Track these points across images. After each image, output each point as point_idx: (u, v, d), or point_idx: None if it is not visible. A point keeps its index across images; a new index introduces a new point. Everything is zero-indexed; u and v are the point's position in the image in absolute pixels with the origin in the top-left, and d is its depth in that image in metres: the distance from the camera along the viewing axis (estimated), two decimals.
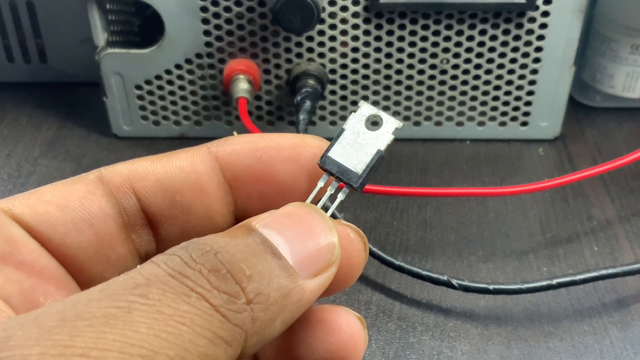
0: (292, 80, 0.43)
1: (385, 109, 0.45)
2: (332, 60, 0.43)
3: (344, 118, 0.45)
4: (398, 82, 0.44)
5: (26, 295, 0.16)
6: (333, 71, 0.43)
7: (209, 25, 0.42)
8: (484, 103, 0.45)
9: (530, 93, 0.45)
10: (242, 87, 0.42)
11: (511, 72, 0.44)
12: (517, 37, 0.42)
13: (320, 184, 0.19)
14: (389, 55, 0.43)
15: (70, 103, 0.50)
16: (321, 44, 0.42)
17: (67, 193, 0.18)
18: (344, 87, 0.44)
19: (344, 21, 0.42)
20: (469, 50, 0.43)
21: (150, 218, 0.19)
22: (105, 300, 0.13)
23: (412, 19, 0.42)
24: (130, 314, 0.13)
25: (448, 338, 0.32)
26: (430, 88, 0.44)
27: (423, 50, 0.43)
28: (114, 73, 0.43)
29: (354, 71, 0.43)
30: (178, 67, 0.43)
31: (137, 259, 0.19)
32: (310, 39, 0.42)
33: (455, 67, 0.43)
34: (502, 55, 0.43)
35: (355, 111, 0.19)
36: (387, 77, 0.44)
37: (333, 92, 0.44)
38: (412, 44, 0.43)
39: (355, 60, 0.43)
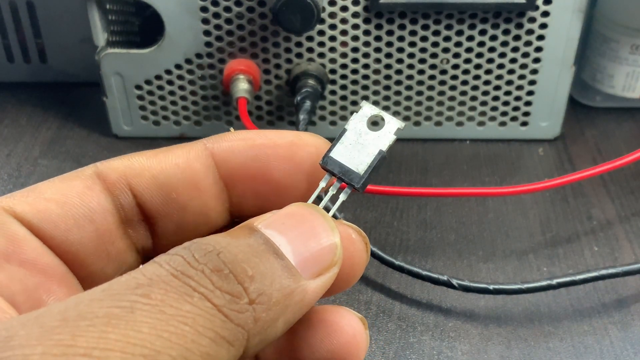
0: (292, 80, 0.43)
1: (386, 109, 0.45)
2: (332, 60, 0.43)
3: (344, 118, 0.45)
4: (398, 82, 0.44)
5: (30, 293, 0.16)
6: (333, 71, 0.43)
7: (209, 25, 0.42)
8: (484, 103, 0.45)
9: (530, 93, 0.45)
10: (242, 87, 0.42)
11: (511, 72, 0.44)
12: (517, 37, 0.42)
13: (322, 184, 0.19)
14: (389, 55, 0.43)
15: (70, 103, 0.50)
16: (321, 44, 0.42)
17: (66, 190, 0.18)
18: (344, 87, 0.44)
19: (344, 21, 0.42)
20: (469, 50, 0.43)
21: (146, 214, 0.19)
22: (107, 300, 0.13)
23: (412, 19, 0.42)
24: (133, 314, 0.13)
25: (448, 338, 0.32)
26: (430, 88, 0.44)
27: (423, 50, 0.43)
28: (114, 73, 0.43)
29: (354, 71, 0.43)
30: (178, 67, 0.43)
31: (134, 254, 0.19)
32: (310, 39, 0.42)
33: (455, 67, 0.43)
34: (502, 55, 0.43)
35: (357, 111, 0.19)
36: (387, 77, 0.44)
37: (333, 92, 0.44)
38: (412, 44, 0.43)
39: (355, 60, 0.43)
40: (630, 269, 0.33)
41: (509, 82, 0.44)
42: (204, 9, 0.41)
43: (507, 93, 0.45)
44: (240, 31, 0.42)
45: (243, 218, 0.19)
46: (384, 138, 0.19)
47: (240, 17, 0.41)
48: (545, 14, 0.41)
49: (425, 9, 0.41)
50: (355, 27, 0.42)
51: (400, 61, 0.43)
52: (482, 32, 0.42)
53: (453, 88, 0.44)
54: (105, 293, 0.14)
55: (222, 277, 0.14)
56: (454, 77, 0.44)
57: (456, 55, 0.43)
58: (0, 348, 0.12)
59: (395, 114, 0.45)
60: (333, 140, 0.19)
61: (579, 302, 0.34)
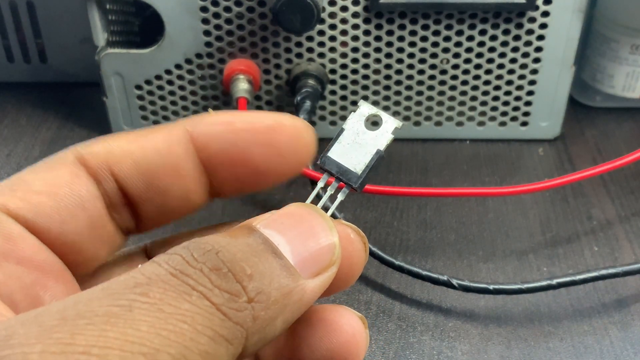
0: (292, 80, 0.43)
1: (385, 109, 0.45)
2: (332, 60, 0.43)
3: (344, 118, 0.45)
4: (398, 82, 0.44)
5: (28, 291, 0.16)
6: (333, 71, 0.43)
7: (209, 25, 0.42)
8: (484, 103, 0.45)
9: (530, 93, 0.45)
10: (242, 87, 0.42)
11: (511, 72, 0.44)
12: (517, 37, 0.42)
13: (320, 184, 0.19)
14: (389, 55, 0.43)
15: (70, 103, 0.50)
16: (321, 44, 0.42)
17: (54, 180, 0.17)
18: (344, 87, 0.44)
19: (344, 21, 0.42)
20: (469, 50, 0.43)
21: (129, 199, 0.19)
22: (106, 299, 0.13)
23: (412, 19, 0.42)
24: (131, 312, 0.13)
25: (448, 338, 0.32)
26: (430, 88, 0.44)
27: (423, 50, 0.43)
28: (114, 73, 0.43)
29: (354, 71, 0.43)
30: (178, 67, 0.43)
31: (122, 235, 0.19)
32: (310, 39, 0.42)
33: (455, 67, 0.43)
34: (502, 55, 0.43)
35: (354, 111, 0.19)
36: (387, 77, 0.44)
37: (333, 92, 0.44)
38: (412, 44, 0.43)
39: (355, 60, 0.43)
40: (630, 269, 0.33)
41: (509, 82, 0.44)
42: (204, 9, 0.41)
43: (507, 93, 0.45)
44: (240, 31, 0.42)
45: (224, 198, 0.20)
46: (382, 137, 0.19)
47: (240, 17, 0.41)
48: (545, 14, 0.41)
49: (425, 9, 0.41)
50: (355, 27, 0.42)
51: (400, 61, 0.43)
52: (482, 32, 0.42)
53: (453, 88, 0.44)
54: (104, 292, 0.14)
55: (220, 276, 0.14)
56: (454, 77, 0.44)
57: (456, 55, 0.43)
58: None
59: (395, 114, 0.45)
60: (330, 139, 0.19)
61: (579, 302, 0.34)
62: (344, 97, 0.45)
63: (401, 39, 0.42)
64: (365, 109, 0.19)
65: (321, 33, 0.42)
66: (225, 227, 0.20)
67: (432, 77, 0.44)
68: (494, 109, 0.45)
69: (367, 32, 0.42)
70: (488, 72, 0.44)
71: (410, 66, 0.43)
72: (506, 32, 0.42)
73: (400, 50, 0.43)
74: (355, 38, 0.42)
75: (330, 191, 0.19)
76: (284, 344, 0.19)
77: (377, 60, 0.43)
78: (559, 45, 0.42)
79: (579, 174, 0.37)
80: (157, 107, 0.45)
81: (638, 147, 0.37)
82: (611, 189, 0.42)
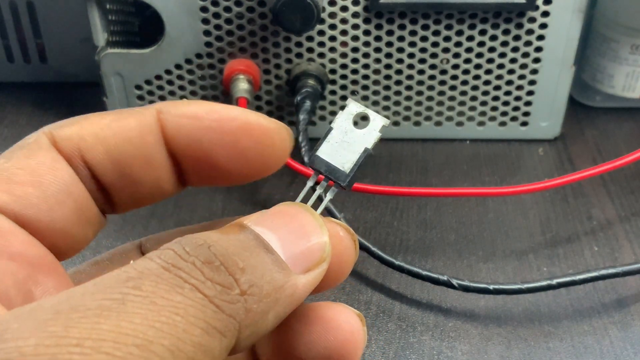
0: (292, 80, 0.43)
1: (385, 109, 0.45)
2: (332, 60, 0.43)
3: None
4: (398, 82, 0.44)
5: (21, 286, 0.16)
6: (333, 71, 0.43)
7: (209, 25, 0.42)
8: (484, 103, 0.45)
9: (530, 93, 0.45)
10: (242, 87, 0.42)
11: (511, 72, 0.44)
12: (517, 37, 0.42)
13: (310, 183, 0.19)
14: (389, 55, 0.43)
15: (70, 103, 0.50)
16: (321, 44, 0.42)
17: (36, 167, 0.17)
18: (344, 87, 0.44)
19: (344, 21, 0.42)
20: (469, 50, 0.43)
21: (101, 186, 0.19)
22: (99, 293, 0.13)
23: (412, 19, 0.42)
24: (124, 305, 0.13)
25: (448, 338, 0.32)
26: (430, 88, 0.44)
27: (423, 50, 0.43)
28: (114, 73, 0.43)
29: (354, 71, 0.43)
30: (178, 67, 0.43)
31: (102, 216, 0.19)
32: (310, 39, 0.42)
33: (455, 67, 0.43)
34: (502, 55, 0.43)
35: (342, 109, 0.20)
36: (387, 77, 0.44)
37: (333, 92, 0.44)
38: (412, 44, 0.43)
39: (355, 60, 0.43)
40: (630, 269, 0.33)
41: (509, 82, 0.44)
42: (204, 9, 0.41)
43: (507, 93, 0.45)
44: (240, 31, 0.42)
45: (196, 187, 0.20)
46: (369, 136, 0.19)
47: (240, 17, 0.41)
48: (545, 14, 0.41)
49: (425, 9, 0.41)
50: (355, 27, 0.42)
51: (400, 61, 0.43)
52: (482, 32, 0.42)
53: (453, 88, 0.44)
54: (97, 286, 0.14)
55: (213, 269, 0.15)
56: (454, 77, 0.44)
57: (456, 55, 0.43)
58: None
59: (395, 113, 0.45)
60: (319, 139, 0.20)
61: (579, 302, 0.34)
62: (344, 97, 0.45)
63: (401, 39, 0.42)
64: (353, 107, 0.19)
65: (321, 33, 0.42)
66: (218, 225, 0.20)
67: (432, 77, 0.44)
68: (494, 109, 0.45)
69: (367, 32, 0.42)
70: (488, 72, 0.44)
71: (410, 66, 0.43)
72: (506, 32, 0.42)
73: (400, 50, 0.43)
74: (355, 38, 0.42)
75: (319, 190, 0.19)
76: (282, 342, 0.19)
77: (377, 60, 0.43)
78: (559, 45, 0.42)
79: (579, 174, 0.37)
80: None
81: (638, 147, 0.37)
82: (611, 189, 0.42)
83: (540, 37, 0.42)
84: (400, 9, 0.41)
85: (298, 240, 0.17)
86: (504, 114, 0.45)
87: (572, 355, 0.31)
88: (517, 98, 0.45)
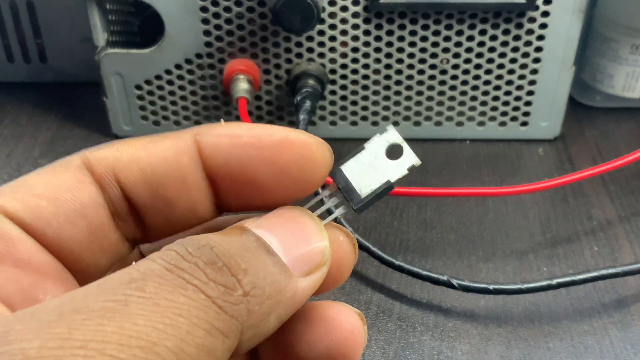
0: (292, 80, 0.43)
1: (385, 109, 0.45)
2: (332, 60, 0.43)
3: (344, 118, 0.45)
4: (398, 82, 0.44)
5: (26, 293, 0.16)
6: (333, 71, 0.43)
7: (209, 25, 0.42)
8: (484, 103, 0.45)
9: (530, 93, 0.45)
10: (242, 87, 0.42)
11: (511, 72, 0.44)
12: (517, 37, 0.42)
13: (325, 192, 0.19)
14: (389, 55, 0.43)
15: (70, 103, 0.50)
16: (321, 44, 0.42)
17: (57, 184, 0.17)
18: (344, 87, 0.44)
19: (344, 21, 0.42)
20: (469, 50, 0.43)
21: (134, 207, 0.18)
22: (102, 294, 0.13)
23: (412, 19, 0.42)
24: (128, 307, 0.13)
25: (448, 338, 0.32)
26: (430, 88, 0.44)
27: (423, 50, 0.43)
28: (114, 73, 0.43)
29: (354, 71, 0.43)
30: (178, 67, 0.43)
31: (127, 244, 0.19)
32: (310, 39, 0.42)
33: (455, 67, 0.43)
34: (502, 55, 0.43)
35: (381, 133, 0.19)
36: (387, 77, 0.44)
37: (333, 92, 0.44)
38: (412, 44, 0.43)
39: (355, 60, 0.43)
40: (630, 269, 0.33)
41: (509, 82, 0.44)
42: (204, 9, 0.41)
43: (507, 93, 0.45)
44: (240, 31, 0.42)
45: (232, 213, 0.19)
46: (397, 170, 0.19)
47: (240, 17, 0.41)
48: (545, 14, 0.41)
49: (425, 9, 0.41)
50: (355, 27, 0.42)
51: (400, 61, 0.43)
52: (482, 32, 0.42)
53: (453, 88, 0.44)
54: (100, 288, 0.14)
55: (215, 270, 0.15)
56: (454, 77, 0.44)
57: (456, 55, 0.43)
58: None
59: (395, 113, 0.45)
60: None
61: (579, 302, 0.34)
62: (344, 97, 0.45)
63: (401, 39, 0.42)
64: (392, 135, 0.19)
65: (321, 33, 0.42)
66: (218, 224, 0.20)
67: (432, 77, 0.44)
68: (494, 109, 0.45)
69: (367, 32, 0.42)
70: (488, 72, 0.44)
71: (410, 66, 0.43)
72: (506, 32, 0.42)
73: (400, 50, 0.43)
74: (355, 38, 0.42)
75: (332, 202, 0.19)
76: (283, 341, 0.19)
77: (377, 60, 0.43)
78: (559, 45, 0.42)
79: (579, 174, 0.37)
80: (157, 107, 0.45)
81: (638, 147, 0.37)
82: (611, 189, 0.42)
83: (540, 37, 0.42)
84: (400, 9, 0.41)
85: (299, 243, 0.17)
86: (504, 114, 0.45)
87: (572, 355, 0.31)
88: (517, 98, 0.45)
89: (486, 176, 0.43)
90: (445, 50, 0.43)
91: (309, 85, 0.42)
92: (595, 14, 0.48)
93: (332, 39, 0.42)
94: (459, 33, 0.42)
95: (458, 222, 0.39)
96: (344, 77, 0.44)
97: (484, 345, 0.32)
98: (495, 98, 0.45)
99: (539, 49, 0.43)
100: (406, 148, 0.19)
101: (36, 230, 0.17)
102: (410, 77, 0.44)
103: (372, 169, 0.19)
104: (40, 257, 0.17)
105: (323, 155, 0.18)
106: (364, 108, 0.45)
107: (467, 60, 0.43)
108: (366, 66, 0.43)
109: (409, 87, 0.44)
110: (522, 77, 0.44)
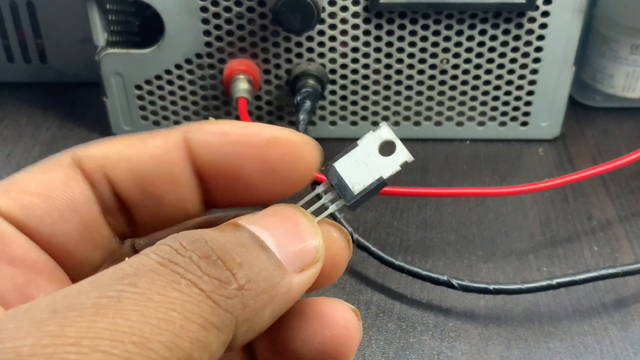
0: (292, 80, 0.43)
1: (385, 109, 0.45)
2: (332, 60, 0.43)
3: (344, 118, 0.45)
4: (398, 82, 0.44)
5: (20, 291, 0.16)
6: (333, 71, 0.43)
7: (209, 25, 0.42)
8: (483, 103, 0.45)
9: (530, 93, 0.45)
10: (242, 87, 0.42)
11: (511, 72, 0.44)
12: (517, 37, 0.42)
13: (320, 189, 0.19)
14: (389, 55, 0.43)
15: (70, 103, 0.50)
16: (321, 44, 0.42)
17: (48, 182, 0.17)
18: (344, 87, 0.44)
19: (344, 21, 0.42)
20: (469, 50, 0.43)
21: (124, 204, 0.19)
22: (94, 291, 0.13)
23: (412, 19, 0.42)
24: (120, 303, 0.13)
25: (448, 338, 0.32)
26: (430, 88, 0.44)
27: (423, 50, 0.43)
28: (114, 73, 0.43)
29: (354, 71, 0.43)
30: (178, 67, 0.43)
31: (118, 239, 0.19)
32: (310, 39, 0.42)
33: (455, 67, 0.43)
34: (502, 55, 0.43)
35: (373, 130, 0.19)
36: (387, 77, 0.44)
37: (333, 92, 0.44)
38: (412, 44, 0.43)
39: (355, 60, 0.43)
40: (630, 269, 0.33)
41: (509, 82, 0.44)
42: (204, 9, 0.41)
43: (507, 93, 0.45)
44: (240, 31, 0.42)
45: (220, 209, 0.19)
46: (389, 166, 0.19)
47: (240, 17, 0.41)
48: (545, 14, 0.41)
49: (425, 9, 0.41)
50: (355, 27, 0.42)
51: (400, 61, 0.43)
52: (482, 32, 0.42)
53: (453, 88, 0.44)
54: (92, 285, 0.14)
55: (210, 263, 0.15)
56: (454, 77, 0.44)
57: (456, 55, 0.43)
58: None
59: (396, 113, 0.45)
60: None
61: (579, 302, 0.34)
62: (344, 97, 0.45)
63: (401, 39, 0.42)
64: (385, 132, 0.19)
65: (321, 33, 0.42)
66: (211, 221, 0.20)
67: (432, 77, 0.44)
68: (494, 109, 0.45)
69: (367, 32, 0.42)
70: (488, 72, 0.44)
71: (410, 66, 0.43)
72: (506, 32, 0.42)
73: (400, 50, 0.43)
74: (355, 38, 0.42)
75: (327, 198, 0.19)
76: (278, 337, 0.19)
77: (377, 60, 0.43)
78: (559, 45, 0.42)
79: (579, 174, 0.37)
80: (157, 107, 0.45)
81: (638, 147, 0.37)
82: (611, 189, 0.42)
83: (540, 37, 0.42)
84: (400, 9, 0.41)
85: (292, 240, 0.17)
86: (504, 114, 0.45)
87: (572, 355, 0.31)
88: (517, 98, 0.45)
89: (486, 176, 0.43)
90: (445, 50, 0.43)
91: (309, 85, 0.42)
92: (595, 14, 0.48)
93: (332, 39, 0.42)
94: (459, 33, 0.42)
95: (458, 222, 0.39)
96: (344, 77, 0.44)
97: (484, 345, 0.32)
98: (495, 98, 0.45)
99: (539, 49, 0.43)
100: (399, 144, 0.19)
101: (30, 228, 0.17)
102: (410, 77, 0.44)
103: (364, 165, 0.19)
104: (34, 254, 0.17)
105: (311, 154, 0.18)
106: (364, 108, 0.45)
107: (467, 60, 0.43)
108: (366, 66, 0.43)
109: (409, 87, 0.44)
110: (522, 77, 0.44)
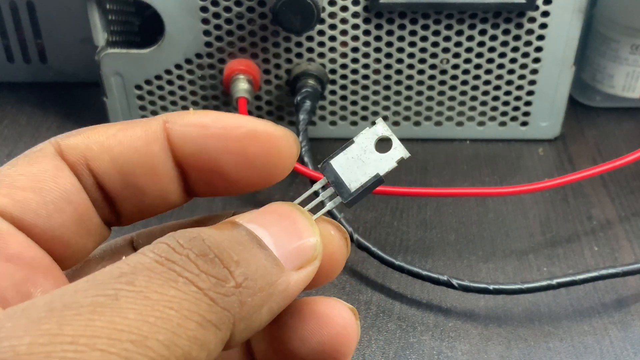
0: (292, 80, 0.43)
1: (385, 109, 0.45)
2: (332, 60, 0.43)
3: (344, 118, 0.45)
4: (398, 82, 0.44)
5: (18, 288, 0.16)
6: (333, 71, 0.43)
7: (209, 25, 0.42)
8: (484, 103, 0.45)
9: (530, 93, 0.45)
10: (242, 87, 0.42)
11: (511, 72, 0.44)
12: (517, 37, 0.42)
13: (316, 186, 0.19)
14: (389, 55, 0.43)
15: (70, 103, 0.50)
16: (321, 44, 0.42)
17: (37, 174, 0.17)
18: (344, 87, 0.44)
19: (344, 21, 0.42)
20: (469, 50, 0.43)
21: (107, 194, 0.19)
22: (92, 289, 0.13)
23: (412, 19, 0.42)
24: (118, 301, 0.13)
25: (448, 338, 0.32)
26: (430, 88, 0.44)
27: (423, 50, 0.43)
28: (114, 73, 0.43)
29: (354, 71, 0.43)
30: (178, 67, 0.43)
31: (107, 227, 0.19)
32: (310, 39, 0.42)
33: (455, 67, 0.43)
34: (502, 55, 0.43)
35: (369, 127, 0.19)
36: (387, 77, 0.44)
37: (333, 92, 0.44)
38: (412, 44, 0.43)
39: (355, 60, 0.43)
40: (630, 269, 0.33)
41: (509, 82, 0.44)
42: (204, 9, 0.41)
43: (507, 93, 0.45)
44: (240, 31, 0.42)
45: (202, 197, 0.20)
46: (385, 163, 0.19)
47: (240, 17, 0.41)
48: (545, 14, 0.41)
49: (425, 9, 0.41)
50: (355, 27, 0.42)
51: (400, 61, 0.43)
52: (482, 32, 0.42)
53: (453, 88, 0.44)
54: (90, 283, 0.14)
55: (207, 262, 0.15)
56: (454, 77, 0.44)
57: (456, 55, 0.43)
58: None
59: (395, 113, 0.45)
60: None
61: (579, 302, 0.34)
62: (344, 97, 0.45)
63: (401, 39, 0.42)
64: (380, 128, 0.19)
65: (321, 33, 0.42)
66: (208, 221, 0.20)
67: (432, 77, 0.44)
68: (494, 109, 0.45)
69: (367, 32, 0.42)
70: (488, 72, 0.44)
71: (410, 66, 0.43)
72: (506, 32, 0.42)
73: (400, 50, 0.43)
74: (355, 38, 0.42)
75: (324, 196, 0.19)
76: (276, 337, 0.19)
77: (377, 60, 0.43)
78: (559, 45, 0.42)
79: (579, 174, 0.37)
80: (157, 107, 0.45)
81: (638, 147, 0.37)
82: (611, 189, 0.42)
83: (540, 37, 0.42)
84: (400, 9, 0.41)
85: (290, 238, 0.17)
86: (504, 114, 0.45)
87: (572, 355, 0.31)
88: (517, 98, 0.45)
89: (486, 176, 0.43)
90: (445, 50, 0.43)
91: (309, 85, 0.42)
92: (595, 14, 0.48)
93: (332, 39, 0.42)
94: (459, 33, 0.42)
95: (458, 222, 0.39)
96: (344, 77, 0.44)
97: (484, 345, 0.32)
98: (495, 98, 0.45)
99: (539, 49, 0.43)
100: (395, 141, 0.19)
101: (25, 222, 0.17)
102: (410, 77, 0.44)
103: (361, 162, 0.19)
104: (30, 251, 0.17)
105: (288, 147, 0.19)
106: (364, 108, 0.45)
107: (467, 60, 0.43)
108: (366, 66, 0.43)
109: (409, 87, 0.44)
110: (522, 77, 0.44)
